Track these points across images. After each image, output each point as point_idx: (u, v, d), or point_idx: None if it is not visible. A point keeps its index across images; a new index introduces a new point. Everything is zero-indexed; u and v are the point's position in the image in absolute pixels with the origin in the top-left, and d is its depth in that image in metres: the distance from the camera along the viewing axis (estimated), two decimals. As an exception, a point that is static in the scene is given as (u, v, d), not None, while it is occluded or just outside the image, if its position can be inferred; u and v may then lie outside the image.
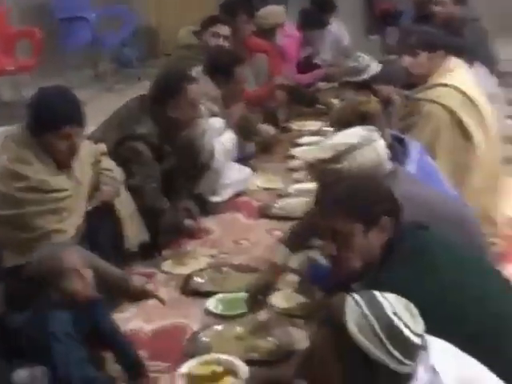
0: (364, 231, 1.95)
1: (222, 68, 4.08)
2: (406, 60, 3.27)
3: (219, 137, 3.92)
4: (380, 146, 2.34)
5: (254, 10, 4.92)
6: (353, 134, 2.36)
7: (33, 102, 2.90)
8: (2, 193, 2.72)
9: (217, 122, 3.94)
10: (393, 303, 1.45)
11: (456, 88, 3.17)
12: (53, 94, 2.92)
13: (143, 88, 4.98)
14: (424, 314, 1.48)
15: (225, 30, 4.55)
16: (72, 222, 2.82)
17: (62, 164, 2.85)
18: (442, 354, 1.47)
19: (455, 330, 1.62)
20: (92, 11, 6.99)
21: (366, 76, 3.97)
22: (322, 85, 6.07)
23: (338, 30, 6.32)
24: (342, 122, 2.56)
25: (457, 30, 4.47)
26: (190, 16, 7.82)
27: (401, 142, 2.69)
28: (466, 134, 3.13)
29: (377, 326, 1.41)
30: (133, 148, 3.38)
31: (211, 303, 2.96)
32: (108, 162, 3.15)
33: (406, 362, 1.40)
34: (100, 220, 2.99)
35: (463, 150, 3.12)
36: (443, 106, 3.12)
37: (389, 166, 2.35)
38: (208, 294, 3.04)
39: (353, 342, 1.41)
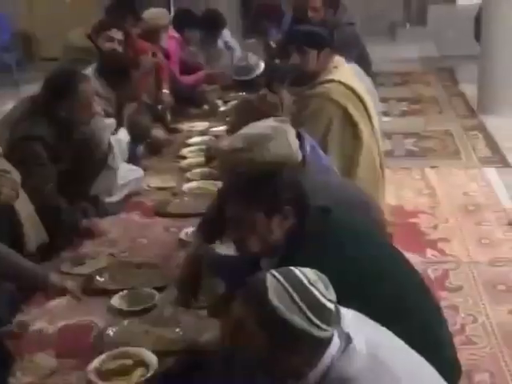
0: (266, 219, 2.07)
1: (118, 71, 4.10)
2: (296, 58, 3.37)
3: (114, 136, 3.95)
4: (292, 136, 2.45)
5: (139, 12, 4.95)
6: (265, 125, 2.45)
7: None
8: None
9: (111, 123, 3.96)
10: (307, 274, 1.57)
11: (342, 83, 3.30)
12: None
13: (22, 93, 4.93)
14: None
15: (118, 34, 4.58)
16: None
17: None
18: (354, 321, 1.61)
19: (356, 296, 1.76)
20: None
21: (254, 75, 4.12)
22: (204, 86, 6.18)
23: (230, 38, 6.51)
24: (244, 122, 2.64)
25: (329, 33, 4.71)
26: (65, 20, 7.77)
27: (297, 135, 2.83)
28: (354, 128, 3.26)
29: (296, 297, 1.52)
30: (29, 149, 3.36)
31: (115, 300, 2.99)
32: (4, 164, 3.10)
33: (325, 327, 1.52)
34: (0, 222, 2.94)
35: (352, 143, 3.25)
36: (332, 100, 3.24)
37: (299, 156, 2.46)
38: (110, 292, 3.06)
39: (276, 314, 1.51)
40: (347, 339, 1.56)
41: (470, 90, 6.07)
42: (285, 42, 4.38)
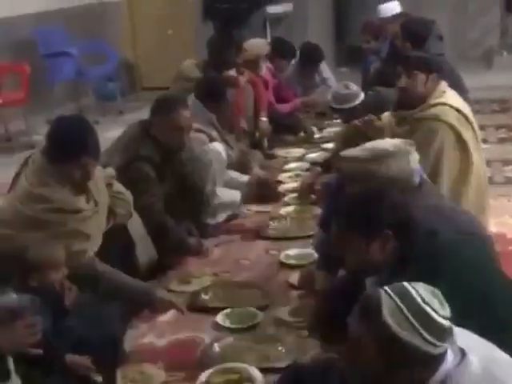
0: (364, 241, 2.14)
1: (213, 92, 4.29)
2: (404, 81, 3.41)
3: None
4: (414, 158, 2.52)
5: (241, 43, 5.13)
6: (391, 143, 2.55)
7: (52, 130, 2.96)
8: (27, 215, 2.81)
9: (217, 145, 4.12)
10: (421, 292, 1.62)
11: (453, 107, 3.34)
12: (72, 124, 3.00)
13: (126, 121, 5.16)
14: None
15: (233, 72, 4.85)
16: (92, 243, 2.92)
17: (79, 188, 2.95)
18: (464, 336, 1.65)
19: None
20: (73, 46, 7.15)
21: (354, 104, 4.20)
22: (299, 113, 6.29)
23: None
24: (351, 147, 2.71)
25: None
26: (167, 51, 8.10)
27: None
28: (465, 150, 3.29)
29: (409, 315, 1.58)
30: (138, 169, 3.54)
31: (220, 318, 3.11)
32: (118, 186, 3.28)
33: (439, 344, 1.57)
34: (114, 242, 3.09)
35: (463, 165, 3.28)
36: (445, 122, 3.27)
37: (417, 178, 2.52)
38: (214, 310, 3.18)
39: (391, 332, 1.57)
40: (462, 353, 1.61)
41: None
42: (390, 67, 4.40)
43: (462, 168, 3.24)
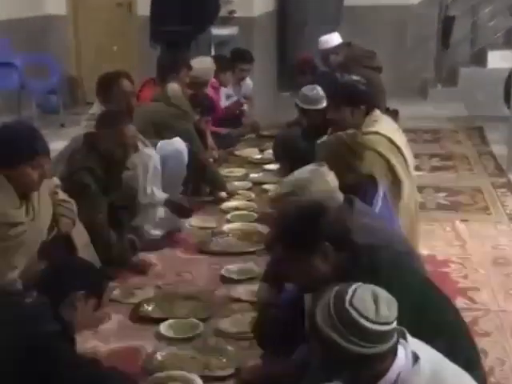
0: (306, 256, 2.27)
1: None
2: (330, 113, 3.58)
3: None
4: (331, 179, 2.69)
5: (190, 63, 5.24)
6: (308, 170, 2.72)
7: (1, 137, 2.98)
8: None
9: (149, 151, 4.23)
10: (356, 295, 1.76)
11: (383, 135, 3.47)
12: (19, 127, 3.08)
13: (68, 134, 5.18)
14: None
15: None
16: (22, 258, 2.96)
17: (24, 196, 2.98)
18: (417, 343, 1.82)
19: None
20: (18, 58, 7.12)
21: (322, 105, 4.48)
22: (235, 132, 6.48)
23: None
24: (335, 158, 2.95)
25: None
26: (111, 67, 8.11)
27: (374, 182, 3.07)
28: (395, 177, 3.42)
29: (335, 318, 1.74)
30: (80, 181, 3.61)
31: (163, 328, 3.19)
32: (63, 194, 3.33)
33: (367, 345, 1.71)
34: (57, 250, 3.15)
35: (394, 192, 3.38)
36: (374, 150, 3.40)
37: (340, 195, 2.68)
38: (157, 321, 3.26)
39: (322, 333, 1.74)
40: (415, 358, 1.77)
41: (499, 149, 6.25)
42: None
43: (393, 194, 3.35)
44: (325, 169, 2.74)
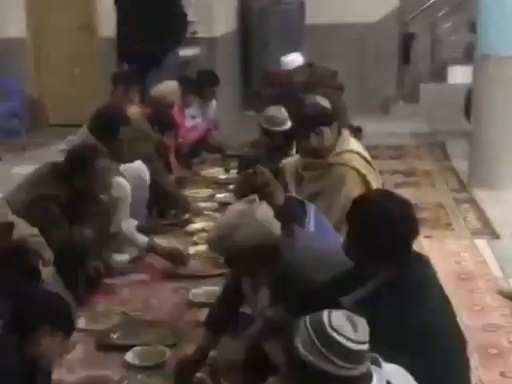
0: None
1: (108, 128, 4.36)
2: (314, 140, 3.55)
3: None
4: (262, 214, 2.59)
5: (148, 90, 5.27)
6: (235, 212, 2.63)
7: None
8: None
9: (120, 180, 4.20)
10: (331, 319, 1.76)
11: (356, 152, 3.57)
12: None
13: (30, 157, 5.15)
14: None
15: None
16: None
17: None
18: (395, 372, 1.83)
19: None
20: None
21: (286, 127, 4.51)
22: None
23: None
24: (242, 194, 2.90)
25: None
26: (74, 90, 8.10)
27: (300, 203, 3.06)
28: None
29: (316, 341, 1.73)
30: (44, 207, 3.57)
31: (128, 356, 3.16)
32: (28, 227, 3.29)
33: (347, 365, 1.72)
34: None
35: None
36: (352, 168, 3.49)
37: (277, 226, 2.63)
38: (124, 348, 3.23)
39: (300, 358, 1.73)
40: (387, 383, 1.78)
41: (460, 164, 6.32)
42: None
43: None
44: (254, 205, 2.63)
